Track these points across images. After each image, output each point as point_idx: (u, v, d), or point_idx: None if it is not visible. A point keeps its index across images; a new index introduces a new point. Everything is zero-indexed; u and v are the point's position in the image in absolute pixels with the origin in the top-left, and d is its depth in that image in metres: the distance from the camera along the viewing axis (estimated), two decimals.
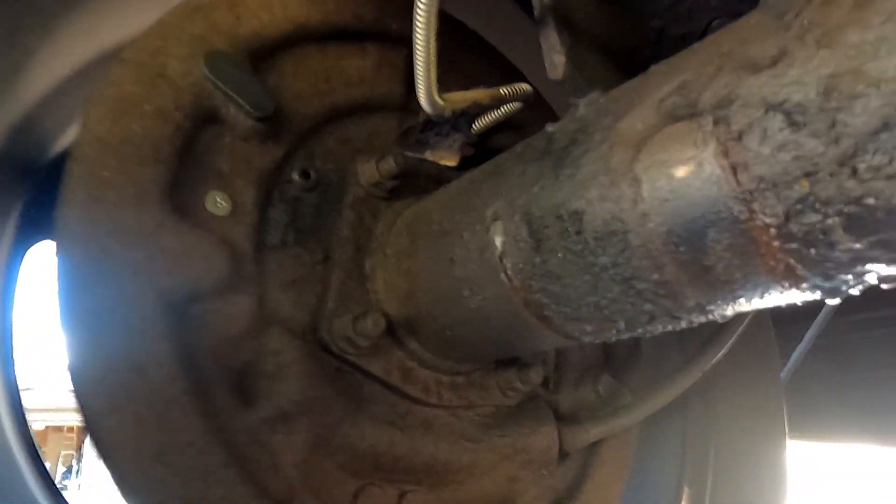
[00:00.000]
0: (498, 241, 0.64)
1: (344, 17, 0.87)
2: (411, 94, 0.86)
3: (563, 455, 1.00)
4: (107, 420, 0.56)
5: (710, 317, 0.58)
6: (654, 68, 0.57)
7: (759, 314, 1.36)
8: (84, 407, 0.56)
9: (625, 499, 1.07)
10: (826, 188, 0.41)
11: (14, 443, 0.82)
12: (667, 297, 0.55)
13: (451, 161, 0.87)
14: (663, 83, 0.53)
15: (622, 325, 0.61)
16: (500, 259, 0.64)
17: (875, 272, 0.46)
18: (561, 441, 0.95)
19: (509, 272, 0.64)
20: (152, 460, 0.57)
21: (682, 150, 0.49)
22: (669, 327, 0.61)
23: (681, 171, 0.49)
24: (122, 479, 0.56)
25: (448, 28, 0.97)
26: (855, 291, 0.49)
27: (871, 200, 0.40)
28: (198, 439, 0.60)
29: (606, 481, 1.02)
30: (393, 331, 0.81)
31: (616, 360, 1.11)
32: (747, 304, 0.55)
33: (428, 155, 0.86)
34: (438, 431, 0.85)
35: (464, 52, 0.97)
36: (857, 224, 0.42)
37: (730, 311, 0.57)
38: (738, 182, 0.45)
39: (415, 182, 0.89)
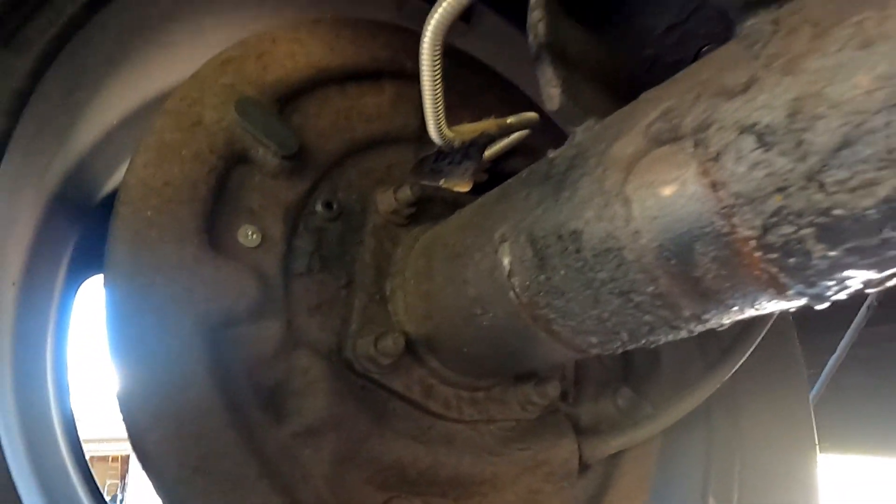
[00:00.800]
0: (506, 261, 0.69)
1: (362, 59, 0.94)
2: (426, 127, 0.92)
3: (585, 467, 1.02)
4: (151, 435, 0.62)
5: (708, 326, 0.62)
6: (643, 96, 0.61)
7: (781, 322, 1.36)
8: (130, 424, 0.62)
9: None
10: (797, 201, 0.45)
11: (72, 470, 0.89)
12: (663, 307, 0.59)
13: (464, 187, 0.93)
14: (650, 110, 0.57)
15: (625, 335, 0.65)
16: (509, 278, 0.69)
17: (856, 277, 0.49)
18: (581, 453, 0.97)
19: (517, 290, 0.69)
20: (193, 471, 0.62)
21: (667, 171, 0.53)
22: (671, 336, 0.64)
23: (667, 191, 0.53)
24: (166, 489, 0.61)
25: (459, 63, 1.04)
26: (842, 296, 0.52)
27: (838, 211, 0.43)
28: (233, 451, 0.65)
29: (628, 493, 1.04)
30: (413, 349, 0.86)
31: (636, 372, 1.14)
32: (741, 313, 0.58)
33: (442, 183, 0.91)
34: (461, 445, 0.89)
35: (475, 86, 1.03)
36: (830, 233, 0.45)
37: (726, 319, 0.60)
38: (718, 199, 0.49)
39: (432, 208, 0.95)
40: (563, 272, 0.63)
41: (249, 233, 0.77)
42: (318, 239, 0.86)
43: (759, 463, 1.18)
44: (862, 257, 0.46)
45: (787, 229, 0.46)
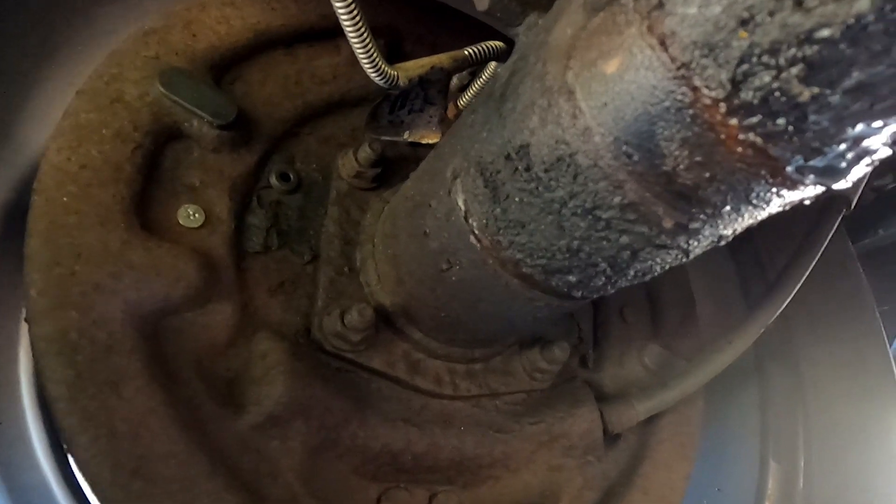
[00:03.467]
0: (460, 200, 0.59)
1: (308, 18, 0.86)
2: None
3: (613, 438, 0.90)
4: (81, 437, 0.55)
5: (703, 240, 0.50)
6: None
7: (839, 253, 1.18)
8: (62, 428, 0.56)
9: (702, 480, 0.94)
10: (768, 33, 0.33)
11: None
12: (639, 222, 0.47)
13: (432, 138, 0.83)
14: None
15: (606, 267, 0.53)
16: (466, 219, 0.59)
17: (874, 132, 0.36)
18: (605, 422, 0.86)
19: (476, 231, 0.58)
20: (130, 475, 0.56)
21: (608, 41, 0.42)
22: (661, 260, 0.52)
23: (611, 67, 0.42)
24: (102, 496, 0.55)
25: (412, 4, 0.94)
26: (864, 165, 0.39)
27: (826, 32, 0.31)
28: (178, 450, 0.58)
29: (668, 462, 0.91)
30: (392, 322, 0.77)
31: (665, 327, 1.00)
32: (737, 214, 0.46)
33: (407, 135, 0.82)
34: (461, 424, 0.79)
35: (431, 26, 0.93)
36: (821, 69, 0.33)
37: (723, 227, 0.48)
38: (671, 58, 0.38)
39: (405, 168, 0.86)
40: (517, 199, 0.52)
41: (191, 212, 0.70)
42: (275, 214, 0.78)
43: (828, 417, 1.02)
44: (873, 98, 0.34)
45: (764, 77, 0.35)
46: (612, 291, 0.60)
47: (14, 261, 0.87)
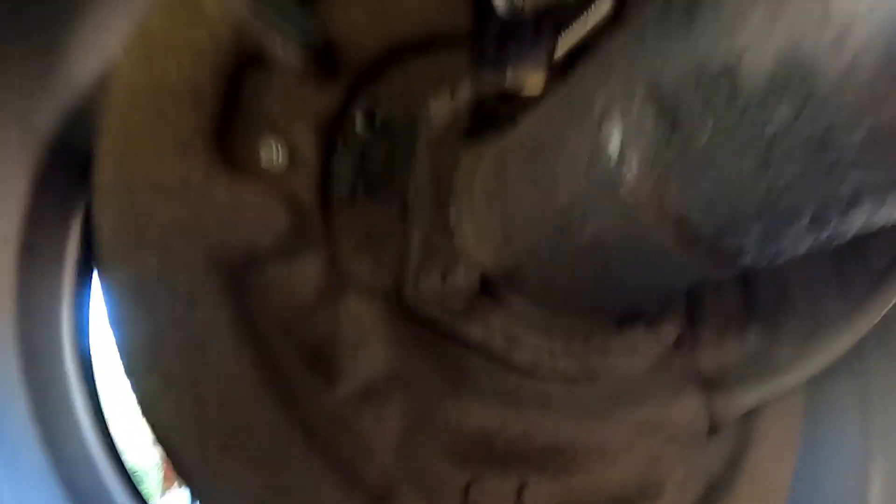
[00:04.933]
0: (614, 139, 0.50)
1: None
2: (482, 25, 0.73)
3: (714, 429, 0.81)
4: (163, 402, 0.46)
5: None
6: None
7: None
8: (137, 390, 0.47)
9: (799, 478, 0.86)
10: None
11: (95, 450, 0.77)
12: (881, 157, 0.38)
13: (536, 83, 0.73)
14: None
15: (807, 218, 0.44)
16: (619, 163, 0.49)
17: None
18: (710, 410, 0.77)
19: (633, 178, 0.49)
20: (220, 449, 0.47)
21: None
22: (875, 216, 0.43)
23: None
24: (187, 472, 0.46)
25: None
26: None
27: None
28: (272, 421, 0.50)
29: (772, 457, 0.83)
30: (491, 289, 0.68)
31: (762, 307, 0.91)
32: None
33: (509, 76, 0.72)
34: (557, 407, 0.71)
35: None
36: None
37: None
38: None
39: (497, 123, 0.76)
40: (709, 134, 0.43)
41: (274, 149, 0.61)
42: (362, 159, 0.69)
43: None
44: None
45: None
46: (784, 260, 0.51)
47: (57, 203, 0.78)
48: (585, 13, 0.74)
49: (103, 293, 0.49)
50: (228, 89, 0.59)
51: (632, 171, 0.49)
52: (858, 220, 0.45)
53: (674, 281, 0.59)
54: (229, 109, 0.59)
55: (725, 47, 0.41)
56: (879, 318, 0.84)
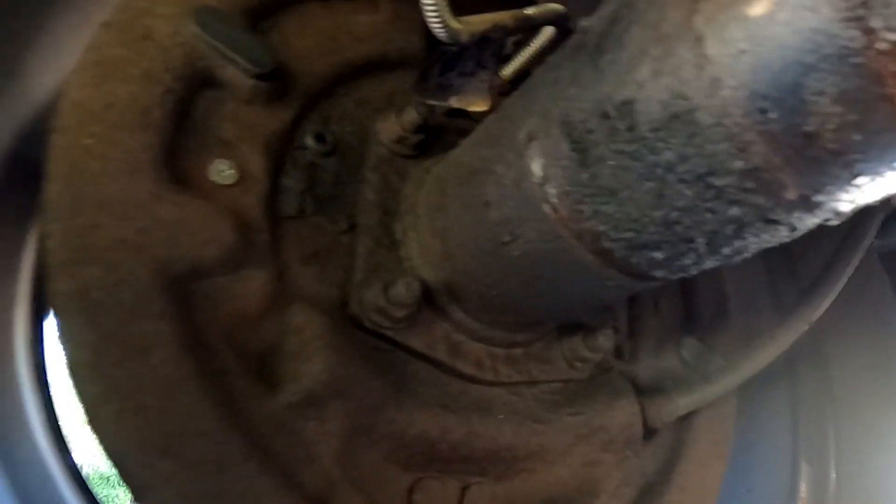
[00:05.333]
0: (536, 165, 0.54)
1: None
2: (432, 48, 0.77)
3: (650, 433, 0.86)
4: (105, 408, 0.49)
5: (820, 214, 0.45)
6: None
7: (867, 259, 1.16)
8: (81, 396, 0.49)
9: (732, 481, 0.91)
10: None
11: (53, 464, 0.78)
12: (758, 191, 0.43)
13: (481, 106, 0.78)
14: None
15: (701, 244, 0.49)
16: (541, 186, 0.53)
17: None
18: (645, 416, 0.82)
19: (553, 200, 0.53)
20: (159, 453, 0.49)
21: None
22: (766, 238, 0.48)
23: (758, 8, 0.37)
24: (127, 475, 0.49)
25: None
26: None
27: None
28: (210, 428, 0.52)
29: (704, 460, 0.87)
30: (434, 300, 0.72)
31: (700, 320, 0.97)
32: (871, 186, 0.41)
33: (453, 100, 0.76)
34: (499, 413, 0.74)
35: None
36: None
37: (846, 202, 0.44)
38: None
39: (445, 138, 0.80)
40: (612, 163, 0.47)
41: (223, 168, 0.64)
42: (311, 177, 0.72)
43: (858, 420, 1.00)
44: None
45: None
46: (693, 273, 0.55)
47: (12, 212, 0.80)
48: (530, 40, 0.78)
49: (50, 303, 0.51)
50: (178, 109, 0.62)
51: (552, 193, 0.53)
52: (752, 243, 0.49)
53: (598, 293, 0.63)
54: (179, 129, 0.62)
55: (624, 88, 0.45)
56: (805, 329, 0.89)
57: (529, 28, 0.72)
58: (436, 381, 0.72)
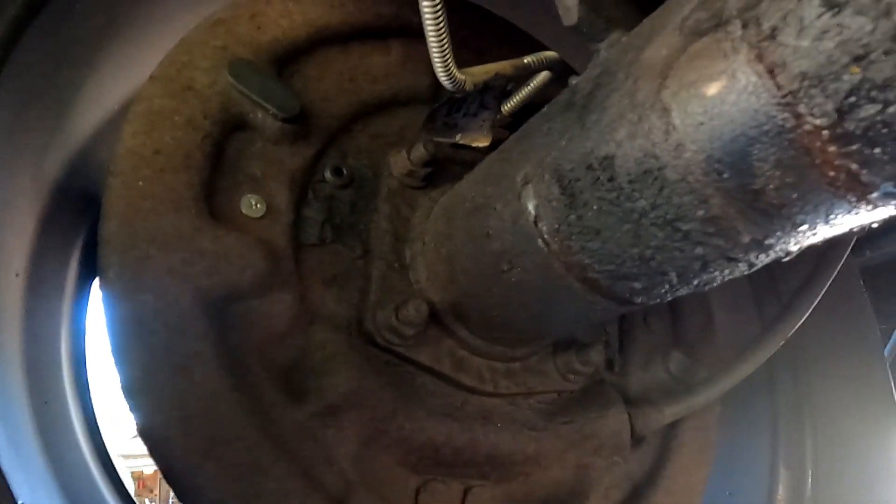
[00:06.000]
0: (531, 205, 0.61)
1: (364, 16, 0.88)
2: (439, 86, 0.85)
3: (638, 440, 0.93)
4: (155, 419, 0.57)
5: (771, 255, 0.53)
6: None
7: (847, 275, 1.24)
8: (135, 411, 0.57)
9: (714, 485, 0.98)
10: (882, 70, 0.36)
11: (97, 473, 0.85)
12: (717, 235, 0.50)
13: (482, 142, 0.85)
14: (685, 3, 0.49)
15: (674, 276, 0.56)
16: (535, 223, 0.61)
17: None
18: (633, 424, 0.89)
19: (546, 236, 0.61)
20: (201, 457, 0.57)
21: (711, 66, 0.44)
22: (727, 272, 0.56)
23: (712, 89, 0.45)
24: (174, 477, 0.56)
25: (472, 17, 0.97)
26: None
27: None
28: (246, 434, 0.60)
29: (689, 465, 0.95)
30: (440, 319, 0.79)
31: (687, 335, 1.04)
32: (812, 233, 0.49)
33: (458, 138, 0.84)
34: (498, 421, 0.82)
35: (489, 39, 0.96)
36: None
37: (793, 244, 0.51)
38: (777, 86, 0.41)
39: (450, 169, 0.88)
40: (595, 207, 0.55)
41: (253, 202, 0.72)
42: (329, 207, 0.80)
43: (834, 428, 1.07)
44: None
45: (870, 109, 0.38)
46: (669, 299, 0.63)
47: (59, 243, 0.88)
48: (528, 82, 0.86)
49: (107, 325, 0.59)
50: (215, 151, 0.70)
51: (545, 230, 0.61)
52: (717, 276, 0.57)
53: (587, 315, 0.70)
54: (215, 169, 0.70)
55: (605, 146, 0.53)
56: (782, 343, 0.97)
57: (529, 74, 0.79)
58: (441, 392, 0.79)
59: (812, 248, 1.13)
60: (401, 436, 0.74)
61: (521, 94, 0.88)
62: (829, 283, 0.99)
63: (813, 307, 0.97)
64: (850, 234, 1.09)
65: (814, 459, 1.03)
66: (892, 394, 1.17)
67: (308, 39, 0.82)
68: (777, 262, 0.56)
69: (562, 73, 0.85)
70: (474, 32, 0.97)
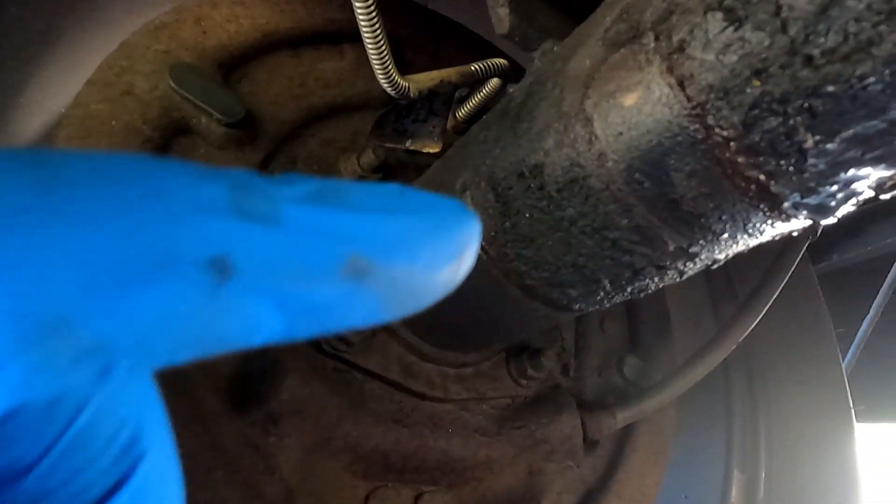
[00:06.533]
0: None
1: (315, 21, 0.88)
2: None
3: (592, 444, 0.94)
4: None
5: (700, 262, 0.53)
6: (604, 2, 0.53)
7: (804, 279, 1.26)
8: None
9: (669, 488, 0.99)
10: (780, 84, 0.37)
11: None
12: (643, 243, 0.51)
13: (433, 148, 0.85)
14: (608, 14, 0.49)
15: (607, 283, 0.57)
16: None
17: (863, 178, 0.40)
18: (585, 429, 0.90)
19: (484, 243, 0.61)
20: None
21: (628, 77, 0.45)
22: (658, 279, 0.56)
23: (629, 99, 0.45)
24: None
25: (421, 17, 0.97)
26: (850, 206, 0.44)
27: (831, 88, 0.35)
28: (181, 443, 0.59)
29: (642, 469, 0.95)
30: (388, 325, 0.79)
31: (643, 339, 1.05)
32: (733, 242, 0.49)
33: (408, 143, 0.84)
34: (449, 427, 0.82)
35: (439, 39, 0.96)
36: (824, 120, 0.37)
37: (719, 252, 0.52)
38: (687, 98, 0.41)
39: (403, 175, 0.88)
40: (528, 215, 0.55)
41: None
42: None
43: (788, 431, 1.09)
44: (866, 148, 0.38)
45: (772, 122, 0.38)
46: (608, 305, 0.63)
47: None
48: (478, 89, 0.86)
49: None
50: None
51: (484, 238, 0.61)
52: (650, 283, 0.57)
53: (530, 321, 0.70)
54: None
55: (535, 154, 0.53)
56: (736, 345, 0.98)
57: (476, 81, 0.80)
58: (390, 398, 0.79)
59: (767, 252, 1.15)
60: (347, 443, 0.74)
61: (473, 101, 0.88)
62: (781, 288, 1.00)
63: (765, 311, 0.99)
64: (803, 238, 1.12)
65: (767, 462, 1.04)
66: (848, 398, 1.19)
67: (256, 44, 0.81)
68: (707, 268, 0.57)
69: (514, 80, 0.86)
70: (431, 38, 0.97)
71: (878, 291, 1.81)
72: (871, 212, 1.97)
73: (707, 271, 1.27)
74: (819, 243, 2.07)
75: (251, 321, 0.20)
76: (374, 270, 0.22)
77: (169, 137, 0.71)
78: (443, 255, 0.25)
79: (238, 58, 0.80)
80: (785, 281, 1.01)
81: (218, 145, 0.74)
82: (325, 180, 0.23)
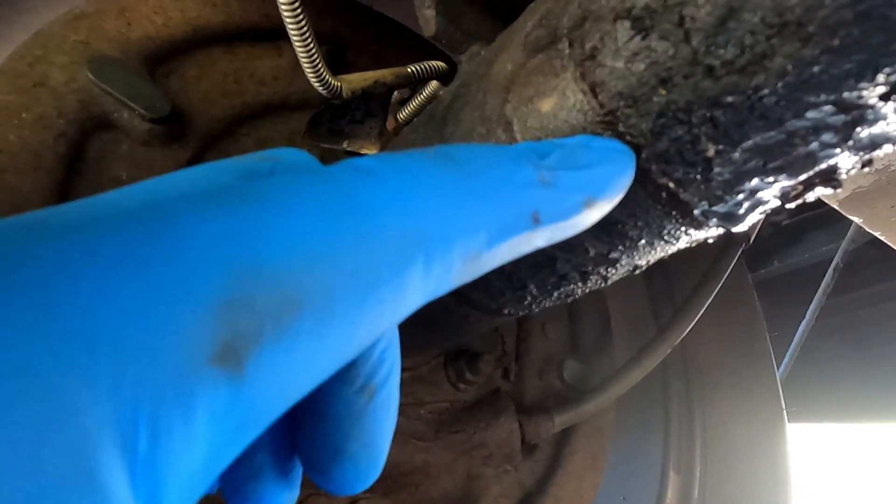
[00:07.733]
0: None
1: (250, 17, 0.85)
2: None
3: (531, 448, 0.94)
4: None
5: (621, 268, 0.54)
6: (528, 7, 0.53)
7: (740, 285, 1.30)
8: None
9: (608, 490, 1.00)
10: (683, 93, 0.37)
11: None
12: (564, 249, 0.51)
13: (371, 149, 0.84)
14: (529, 20, 0.49)
15: (533, 288, 0.57)
16: None
17: (768, 188, 0.41)
18: (523, 432, 0.90)
19: None
20: None
21: (545, 82, 0.45)
22: (582, 285, 0.56)
23: (546, 105, 0.45)
24: None
25: (363, 18, 0.95)
26: (757, 214, 0.45)
27: (730, 98, 0.36)
28: None
29: (579, 472, 0.96)
30: None
31: (583, 343, 1.06)
32: (651, 248, 0.50)
33: (345, 144, 0.82)
34: None
35: (382, 40, 0.95)
36: (726, 130, 0.37)
37: (639, 258, 0.52)
38: (599, 104, 0.41)
39: None
40: None
41: None
42: None
43: (722, 433, 1.11)
44: (768, 158, 0.38)
45: (678, 131, 0.39)
46: (538, 310, 0.63)
47: None
48: (419, 91, 0.86)
49: None
50: (71, 153, 0.65)
51: None
52: (576, 289, 0.58)
53: (465, 326, 0.70)
54: (71, 170, 0.66)
55: None
56: (671, 349, 1.00)
57: (412, 83, 0.79)
58: None
59: (707, 257, 1.16)
60: None
61: (414, 103, 0.87)
62: (715, 292, 1.03)
63: (699, 316, 1.01)
64: (738, 244, 1.14)
65: (702, 463, 1.06)
66: (781, 401, 1.23)
67: (186, 38, 0.78)
68: (632, 274, 0.57)
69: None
70: (375, 39, 0.96)
71: (814, 297, 1.89)
72: (810, 220, 2.06)
73: (647, 276, 1.29)
74: (760, 250, 2.14)
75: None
76: (597, 205, 0.35)
77: (87, 132, 0.68)
78: (621, 189, 0.38)
79: (166, 52, 0.77)
80: (719, 286, 1.04)
81: (142, 142, 0.71)
82: (557, 143, 0.36)
